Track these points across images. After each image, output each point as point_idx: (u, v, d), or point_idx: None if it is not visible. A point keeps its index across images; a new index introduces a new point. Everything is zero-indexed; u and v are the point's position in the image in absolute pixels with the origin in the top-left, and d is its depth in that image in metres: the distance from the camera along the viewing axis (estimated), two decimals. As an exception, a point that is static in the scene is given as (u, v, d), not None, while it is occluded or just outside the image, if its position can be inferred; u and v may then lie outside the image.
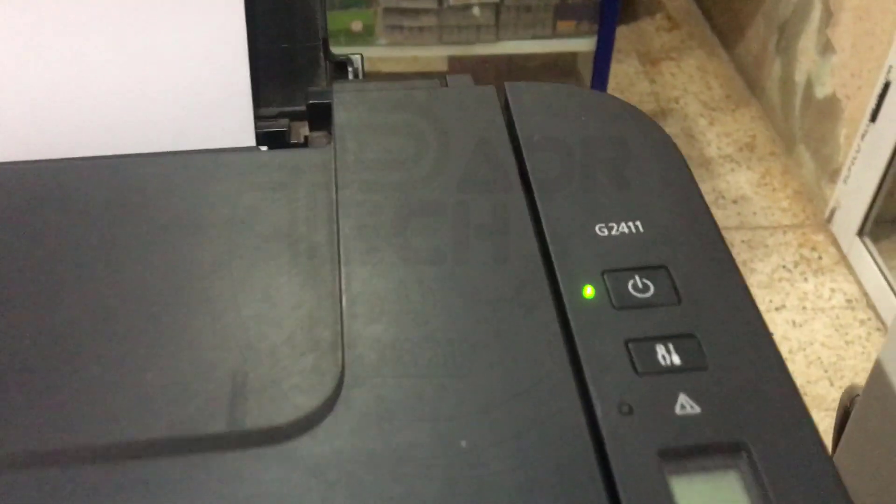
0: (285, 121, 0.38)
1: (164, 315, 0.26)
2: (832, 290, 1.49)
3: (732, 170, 1.74)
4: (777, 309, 1.47)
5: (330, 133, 0.35)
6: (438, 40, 1.51)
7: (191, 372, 0.25)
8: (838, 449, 0.40)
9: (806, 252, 1.58)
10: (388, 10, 1.48)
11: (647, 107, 1.85)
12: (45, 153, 0.35)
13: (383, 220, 0.29)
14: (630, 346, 0.25)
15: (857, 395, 0.38)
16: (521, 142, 0.32)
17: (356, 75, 0.40)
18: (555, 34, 1.52)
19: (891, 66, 1.29)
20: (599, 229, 0.28)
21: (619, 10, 1.52)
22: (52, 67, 0.36)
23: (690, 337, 0.25)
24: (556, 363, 0.25)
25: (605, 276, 0.27)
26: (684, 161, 0.31)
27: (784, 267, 1.57)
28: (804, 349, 1.39)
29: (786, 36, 1.67)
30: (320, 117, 0.37)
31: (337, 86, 0.35)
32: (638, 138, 0.32)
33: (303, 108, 0.38)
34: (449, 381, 0.24)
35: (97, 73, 0.35)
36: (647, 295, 0.27)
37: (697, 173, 1.79)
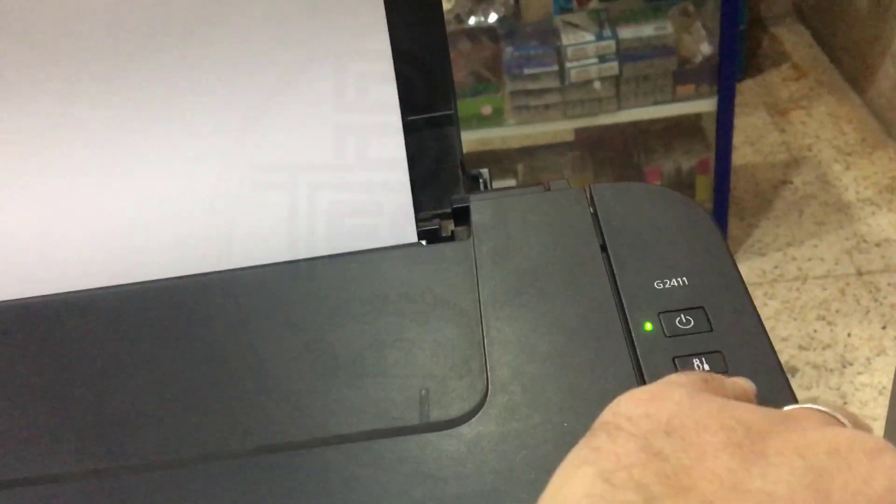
0: (437, 221, 0.56)
1: (365, 353, 0.44)
2: (981, 328, 1.52)
3: (873, 213, 1.79)
4: (931, 351, 1.50)
5: (469, 228, 0.52)
6: (563, 115, 1.68)
7: (389, 389, 0.42)
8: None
9: (954, 291, 1.61)
10: (515, 93, 1.67)
11: (779, 157, 1.94)
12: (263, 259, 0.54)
13: (511, 287, 0.45)
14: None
15: None
16: (602, 226, 0.48)
17: (485, 185, 0.58)
18: (675, 98, 1.66)
19: None
20: (657, 284, 0.44)
21: (738, 69, 1.64)
22: (261, 207, 0.55)
23: (718, 353, 0.40)
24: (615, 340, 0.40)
25: (660, 316, 0.42)
26: (719, 232, 0.46)
27: (935, 308, 1.60)
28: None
29: (917, 75, 1.73)
30: (461, 216, 0.54)
31: (472, 196, 0.52)
32: (686, 218, 0.47)
33: (448, 210, 0.55)
34: (555, 392, 0.40)
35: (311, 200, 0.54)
36: (689, 327, 0.41)
37: (835, 218, 1.85)
